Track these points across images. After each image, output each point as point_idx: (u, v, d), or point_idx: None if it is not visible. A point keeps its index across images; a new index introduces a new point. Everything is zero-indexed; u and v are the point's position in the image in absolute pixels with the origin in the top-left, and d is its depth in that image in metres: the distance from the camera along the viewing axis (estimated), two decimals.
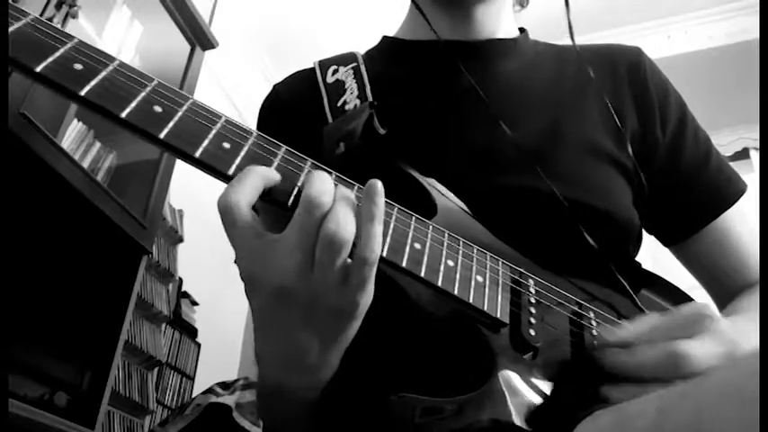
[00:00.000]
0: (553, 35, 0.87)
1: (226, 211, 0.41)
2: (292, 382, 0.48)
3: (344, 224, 0.40)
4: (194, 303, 2.46)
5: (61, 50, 0.41)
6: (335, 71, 0.72)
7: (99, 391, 1.40)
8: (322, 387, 0.49)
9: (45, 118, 1.27)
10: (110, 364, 1.43)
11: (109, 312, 1.48)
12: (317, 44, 2.27)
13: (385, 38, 0.81)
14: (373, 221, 0.41)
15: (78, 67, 0.41)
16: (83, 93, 0.40)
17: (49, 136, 1.27)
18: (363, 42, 0.82)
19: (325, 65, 0.73)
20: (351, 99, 0.68)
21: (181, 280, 2.30)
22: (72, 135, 1.52)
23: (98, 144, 1.61)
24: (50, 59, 0.40)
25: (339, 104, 0.68)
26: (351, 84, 0.69)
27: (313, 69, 0.74)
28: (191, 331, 2.36)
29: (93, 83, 0.41)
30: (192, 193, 2.37)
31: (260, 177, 0.42)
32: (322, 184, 0.42)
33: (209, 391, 1.83)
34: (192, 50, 1.97)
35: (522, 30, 0.81)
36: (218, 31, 2.12)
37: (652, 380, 0.47)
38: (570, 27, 0.69)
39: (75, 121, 1.53)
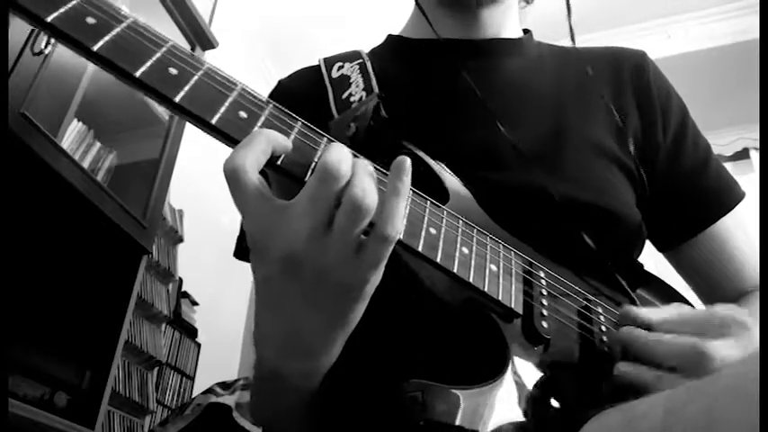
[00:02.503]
0: (553, 36, 0.87)
1: (231, 175, 0.39)
2: (290, 368, 0.46)
3: (369, 192, 0.38)
4: (194, 303, 2.45)
5: (73, 2, 0.39)
6: (341, 67, 0.71)
7: (99, 391, 1.39)
8: (320, 376, 0.47)
9: (45, 118, 1.27)
10: (110, 364, 1.43)
11: (109, 312, 1.48)
12: (317, 45, 2.27)
13: (390, 36, 0.81)
14: (399, 197, 0.40)
15: (91, 20, 0.39)
16: (95, 48, 0.38)
17: (49, 136, 1.27)
18: (364, 43, 0.82)
19: (330, 61, 0.73)
20: (356, 92, 0.67)
21: (181, 280, 2.30)
22: (72, 135, 1.51)
23: (98, 144, 1.61)
24: (61, 10, 0.38)
25: (344, 97, 0.67)
26: (356, 78, 0.69)
27: (318, 66, 0.74)
28: (191, 331, 2.35)
29: (106, 38, 0.39)
30: (192, 193, 2.36)
31: (267, 140, 0.40)
32: (340, 154, 0.39)
33: (209, 391, 1.82)
34: (192, 50, 1.97)
35: (526, 31, 0.81)
36: (218, 31, 2.11)
37: (670, 369, 0.47)
38: (571, 29, 0.69)
39: (75, 121, 1.52)
